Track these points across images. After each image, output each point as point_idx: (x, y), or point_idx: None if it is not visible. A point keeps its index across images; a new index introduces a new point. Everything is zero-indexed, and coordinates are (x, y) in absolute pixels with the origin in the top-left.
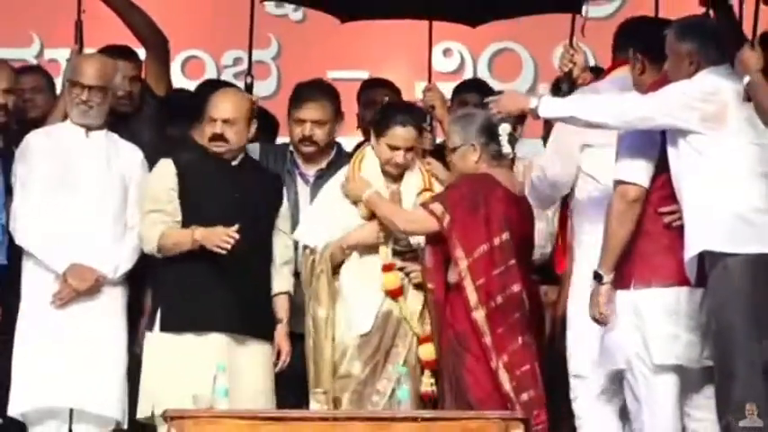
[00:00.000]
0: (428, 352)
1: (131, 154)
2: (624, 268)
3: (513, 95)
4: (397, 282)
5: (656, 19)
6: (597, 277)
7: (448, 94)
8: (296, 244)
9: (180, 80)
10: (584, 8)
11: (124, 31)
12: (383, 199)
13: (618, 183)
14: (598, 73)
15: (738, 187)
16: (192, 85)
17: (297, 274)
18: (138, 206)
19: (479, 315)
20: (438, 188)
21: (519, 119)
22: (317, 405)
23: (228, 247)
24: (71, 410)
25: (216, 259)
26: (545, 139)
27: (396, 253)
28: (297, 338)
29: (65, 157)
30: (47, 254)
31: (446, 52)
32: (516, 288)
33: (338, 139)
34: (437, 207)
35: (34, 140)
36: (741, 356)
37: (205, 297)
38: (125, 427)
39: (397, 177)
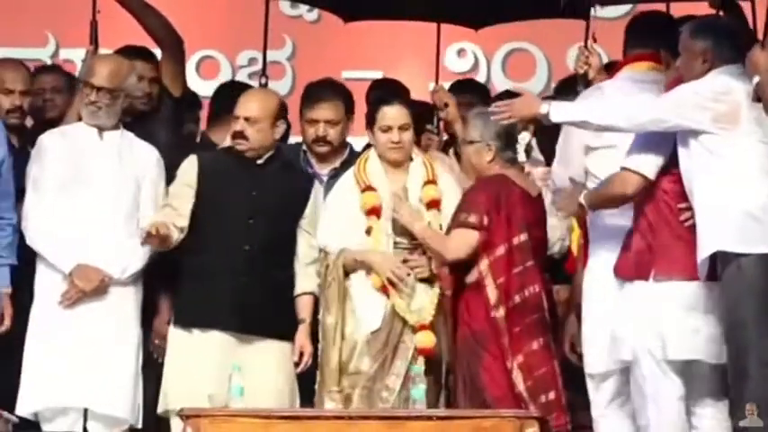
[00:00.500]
0: (425, 340)
1: (146, 153)
2: (643, 258)
3: (526, 100)
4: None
5: (666, 15)
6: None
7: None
8: None
9: (195, 80)
10: (591, 11)
11: (139, 32)
12: (433, 232)
13: (623, 169)
14: (612, 68)
15: (750, 186)
16: (206, 85)
17: None
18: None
19: (499, 314)
20: (444, 180)
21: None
22: (331, 404)
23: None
24: (85, 409)
25: (227, 256)
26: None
27: (396, 245)
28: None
29: (77, 157)
30: (55, 254)
31: (460, 52)
32: (535, 289)
33: (348, 139)
34: (474, 218)
35: (48, 141)
36: (754, 355)
37: (212, 294)
38: (139, 426)
39: (401, 172)
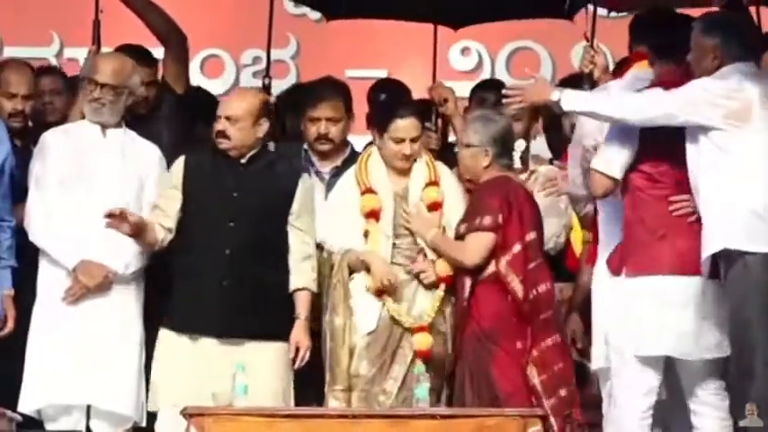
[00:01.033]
0: (422, 341)
1: (149, 152)
2: (618, 255)
3: (539, 86)
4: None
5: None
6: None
7: (465, 93)
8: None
9: (199, 79)
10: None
11: (143, 31)
12: (447, 240)
13: (593, 170)
14: (620, 67)
15: (758, 184)
16: (211, 84)
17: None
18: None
19: (527, 307)
20: (446, 180)
21: (533, 117)
22: (335, 402)
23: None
24: (88, 407)
25: (209, 259)
26: (547, 134)
27: (396, 247)
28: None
29: (80, 154)
30: (58, 251)
31: (464, 51)
32: (547, 286)
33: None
34: (488, 220)
35: (51, 138)
36: (759, 354)
37: (194, 297)
38: (143, 424)
39: (404, 172)
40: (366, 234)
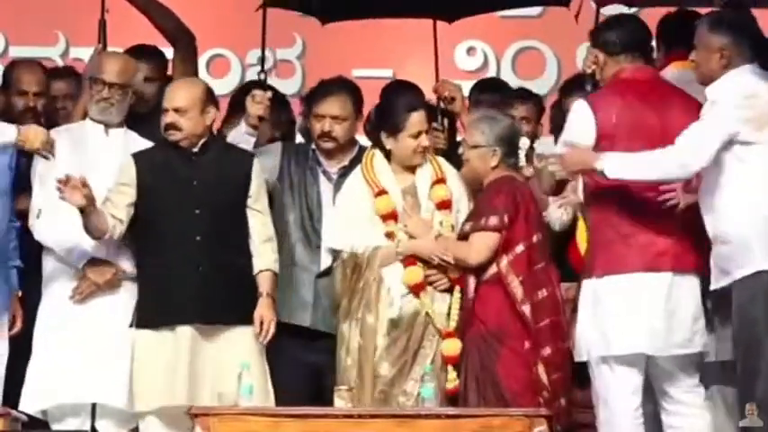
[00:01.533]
0: (452, 347)
1: None
2: (588, 257)
3: (578, 154)
4: (419, 276)
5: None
6: None
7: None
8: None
9: (205, 78)
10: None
11: (148, 30)
12: (450, 240)
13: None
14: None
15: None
16: (216, 84)
17: (323, 273)
18: None
19: (526, 308)
20: (452, 177)
21: (538, 119)
22: (341, 402)
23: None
24: (93, 407)
25: (181, 250)
26: (555, 135)
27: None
28: (323, 336)
29: (84, 154)
30: (66, 249)
31: (470, 51)
32: (553, 289)
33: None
34: (494, 220)
35: (55, 138)
36: (765, 353)
37: (171, 290)
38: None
39: (410, 171)
40: (390, 235)
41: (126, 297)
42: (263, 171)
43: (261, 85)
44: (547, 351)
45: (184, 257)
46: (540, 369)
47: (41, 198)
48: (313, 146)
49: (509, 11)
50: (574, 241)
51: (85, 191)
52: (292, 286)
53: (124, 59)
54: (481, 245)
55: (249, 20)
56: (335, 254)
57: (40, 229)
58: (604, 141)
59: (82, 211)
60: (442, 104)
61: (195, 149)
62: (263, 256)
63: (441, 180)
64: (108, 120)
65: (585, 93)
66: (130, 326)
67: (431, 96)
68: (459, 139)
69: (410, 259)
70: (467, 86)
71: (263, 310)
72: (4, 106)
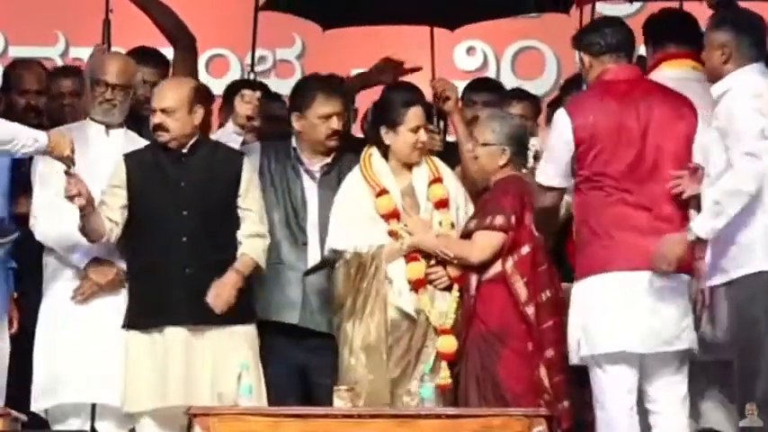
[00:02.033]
0: (447, 344)
1: None
2: (573, 262)
3: (670, 245)
4: (421, 271)
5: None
6: None
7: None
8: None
9: (204, 78)
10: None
11: (151, 30)
12: (451, 238)
13: (538, 185)
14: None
15: None
16: (215, 84)
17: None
18: None
19: (530, 310)
20: (448, 177)
21: (535, 118)
22: (340, 402)
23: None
24: (93, 407)
25: (169, 251)
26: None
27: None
28: (311, 335)
29: (85, 154)
30: (68, 249)
31: (469, 51)
32: (555, 289)
33: None
34: (500, 219)
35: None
36: (764, 353)
37: (160, 292)
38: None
39: (407, 170)
40: (391, 234)
41: (124, 296)
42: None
43: (251, 84)
44: (550, 353)
45: (171, 259)
46: (543, 371)
47: (43, 198)
48: (294, 144)
49: None
50: (572, 241)
51: (88, 194)
52: (279, 285)
53: (125, 60)
54: (484, 244)
55: (249, 20)
56: (337, 254)
57: (42, 230)
58: (583, 145)
59: (81, 213)
60: (437, 106)
61: (184, 150)
62: (247, 246)
63: (438, 179)
64: (110, 120)
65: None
66: (122, 327)
67: (429, 98)
68: (450, 139)
69: (412, 255)
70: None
71: (227, 279)
72: (6, 107)
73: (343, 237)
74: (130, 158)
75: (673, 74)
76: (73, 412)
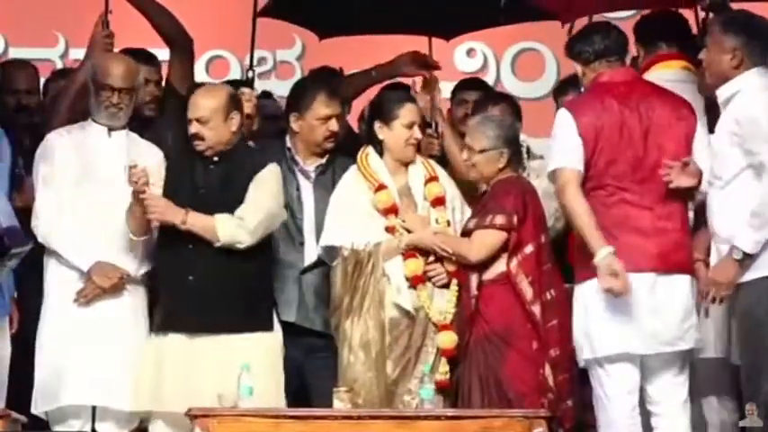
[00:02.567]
0: (447, 340)
1: (151, 154)
2: (573, 264)
3: (720, 272)
4: (419, 268)
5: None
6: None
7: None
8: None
9: (205, 80)
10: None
11: (148, 32)
12: (450, 235)
13: (552, 172)
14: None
15: None
16: None
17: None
18: None
19: (536, 309)
20: (443, 178)
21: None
22: (340, 404)
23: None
24: (93, 409)
25: (177, 256)
26: None
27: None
28: (306, 333)
29: (87, 156)
30: (71, 252)
31: (469, 52)
32: (561, 290)
33: None
34: (501, 219)
35: (57, 140)
36: None
37: (168, 296)
38: (147, 425)
39: (403, 169)
40: (389, 230)
41: (129, 300)
42: None
43: (249, 84)
44: (554, 352)
45: (178, 265)
46: (548, 370)
47: (45, 199)
48: (288, 144)
49: None
50: (572, 243)
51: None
52: (277, 284)
53: (128, 62)
54: (483, 242)
55: (249, 22)
56: (334, 251)
57: (45, 232)
58: (588, 144)
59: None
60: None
61: (215, 158)
62: (221, 216)
63: (434, 178)
64: (115, 124)
65: (579, 93)
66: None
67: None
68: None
69: (410, 252)
70: None
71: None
72: None
73: (340, 233)
74: (171, 160)
75: (666, 75)
76: (73, 414)
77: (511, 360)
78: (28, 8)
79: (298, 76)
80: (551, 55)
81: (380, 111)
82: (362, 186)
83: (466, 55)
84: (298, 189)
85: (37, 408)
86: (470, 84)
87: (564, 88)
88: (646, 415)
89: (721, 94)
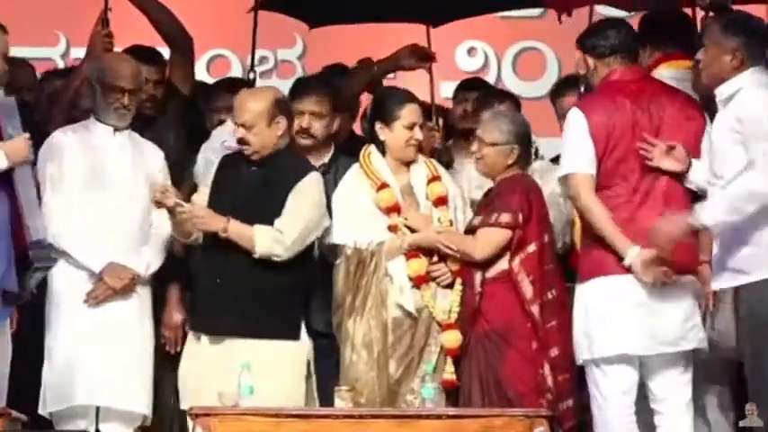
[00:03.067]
0: (452, 339)
1: (154, 154)
2: (575, 264)
3: (668, 223)
4: (422, 268)
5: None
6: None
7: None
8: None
9: (205, 79)
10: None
11: (149, 31)
12: (454, 233)
13: (564, 177)
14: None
15: None
16: None
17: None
18: None
19: (535, 308)
20: (445, 177)
21: None
22: (341, 403)
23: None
24: (97, 409)
25: (208, 257)
26: None
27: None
28: (323, 337)
29: (93, 155)
30: (82, 253)
31: (470, 51)
32: (562, 290)
33: None
34: (506, 217)
35: (63, 139)
36: None
37: (196, 296)
38: (149, 423)
39: (405, 169)
40: (391, 228)
41: (136, 301)
42: None
43: (251, 84)
44: (554, 352)
45: (207, 266)
46: (547, 370)
47: (55, 201)
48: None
49: (509, 11)
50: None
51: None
52: None
53: (132, 63)
54: (488, 240)
55: (250, 21)
56: (337, 250)
57: (54, 233)
58: (599, 144)
59: (171, 214)
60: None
61: (259, 161)
62: (260, 227)
63: (436, 177)
64: (122, 124)
65: (578, 93)
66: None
67: (436, 96)
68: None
69: (413, 252)
70: None
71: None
72: None
73: (342, 232)
74: (222, 162)
75: (672, 74)
76: (78, 414)
77: (510, 359)
78: (29, 7)
79: (299, 75)
80: (552, 54)
81: (381, 111)
82: (365, 185)
83: (467, 54)
84: None
85: (46, 407)
86: (472, 83)
87: (561, 90)
88: (649, 413)
89: (722, 92)
